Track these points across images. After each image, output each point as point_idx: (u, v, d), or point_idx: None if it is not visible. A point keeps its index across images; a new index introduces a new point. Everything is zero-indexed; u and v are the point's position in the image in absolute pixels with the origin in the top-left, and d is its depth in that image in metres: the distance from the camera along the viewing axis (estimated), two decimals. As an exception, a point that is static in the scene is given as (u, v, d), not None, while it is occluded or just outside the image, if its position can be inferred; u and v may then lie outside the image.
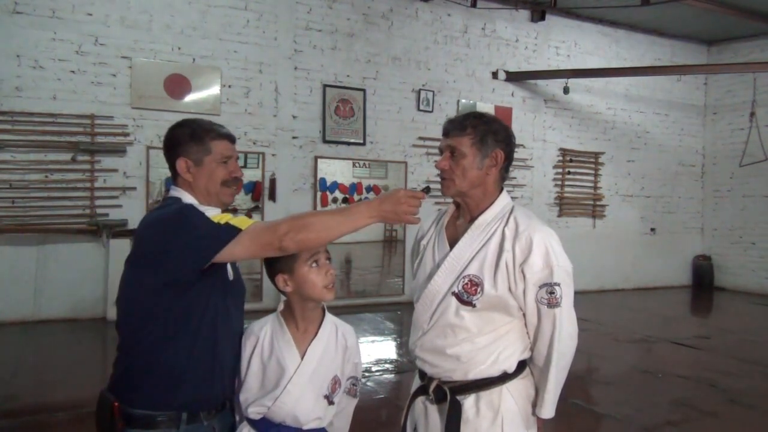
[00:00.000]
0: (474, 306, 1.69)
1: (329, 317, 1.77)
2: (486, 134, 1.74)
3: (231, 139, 1.76)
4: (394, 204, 1.54)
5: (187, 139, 1.70)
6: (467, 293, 1.69)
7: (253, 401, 1.66)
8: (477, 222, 1.76)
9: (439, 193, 1.85)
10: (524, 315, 1.72)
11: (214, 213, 1.60)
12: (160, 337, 1.58)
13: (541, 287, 1.66)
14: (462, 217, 1.83)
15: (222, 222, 1.54)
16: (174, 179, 1.73)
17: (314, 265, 1.66)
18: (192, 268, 1.53)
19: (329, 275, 1.68)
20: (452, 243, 1.79)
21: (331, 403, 1.70)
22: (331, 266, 1.69)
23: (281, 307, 1.75)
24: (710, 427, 3.98)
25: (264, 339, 1.70)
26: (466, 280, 1.70)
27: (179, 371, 1.59)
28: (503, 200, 1.79)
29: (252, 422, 1.68)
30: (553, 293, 1.66)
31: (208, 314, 1.61)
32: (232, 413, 1.77)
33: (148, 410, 1.58)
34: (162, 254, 1.54)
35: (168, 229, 1.55)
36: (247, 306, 1.94)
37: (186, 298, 1.57)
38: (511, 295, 1.69)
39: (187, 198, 1.69)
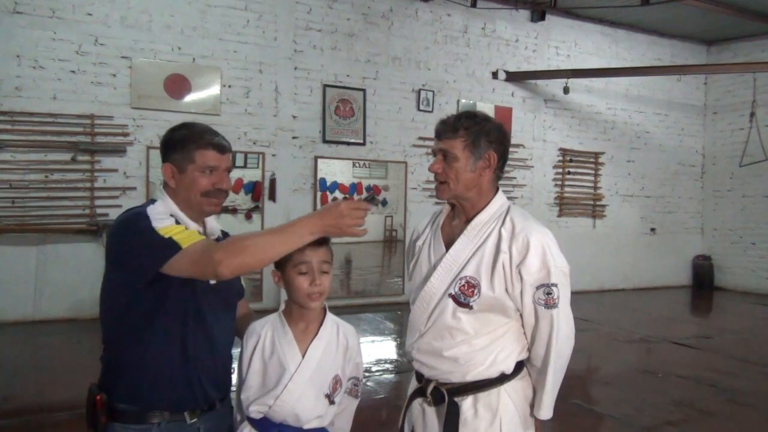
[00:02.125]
0: (471, 308, 1.68)
1: (330, 317, 1.76)
2: (479, 136, 1.71)
3: (220, 149, 1.68)
4: (337, 218, 1.48)
5: (175, 145, 1.67)
6: (464, 295, 1.68)
7: (254, 400, 1.66)
8: (473, 223, 1.74)
9: (382, 205, 1.84)
10: (521, 316, 1.71)
11: (166, 224, 1.57)
12: (130, 334, 1.59)
13: (538, 288, 1.65)
14: (458, 217, 1.81)
15: (167, 236, 1.52)
16: (165, 182, 1.73)
17: (302, 271, 1.63)
18: (139, 276, 1.55)
19: (315, 285, 1.62)
20: (448, 244, 1.77)
21: (332, 402, 1.70)
22: (321, 276, 1.63)
23: (283, 306, 1.75)
24: (710, 427, 3.98)
25: (265, 338, 1.69)
26: (463, 282, 1.69)
27: (152, 369, 1.60)
28: (499, 200, 1.77)
29: (253, 421, 1.68)
30: (550, 294, 1.65)
31: (176, 315, 1.60)
32: (230, 413, 1.76)
33: (128, 405, 1.60)
34: (116, 255, 1.60)
35: (120, 233, 1.59)
36: (247, 306, 1.94)
37: (148, 298, 1.58)
38: (508, 297, 1.68)
39: (167, 203, 1.67)
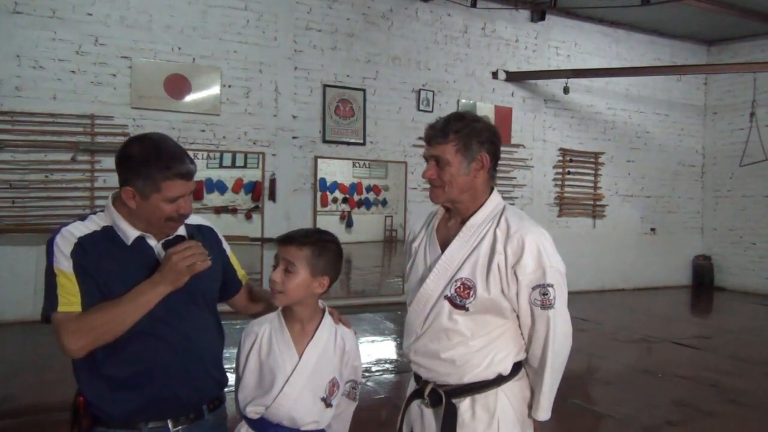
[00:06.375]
0: (467, 310, 1.67)
1: (328, 319, 1.75)
2: (469, 138, 1.69)
3: (188, 177, 1.58)
4: (172, 270, 1.53)
5: (138, 170, 1.54)
6: (460, 297, 1.67)
7: (251, 400, 1.66)
8: (468, 224, 1.74)
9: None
10: (518, 317, 1.70)
11: (63, 267, 1.53)
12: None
13: (534, 289, 1.64)
14: (453, 218, 1.81)
15: (56, 290, 1.52)
16: (119, 197, 1.61)
17: (273, 263, 1.68)
18: None
19: (271, 279, 1.64)
20: (443, 245, 1.76)
21: (328, 405, 1.69)
22: (282, 274, 1.63)
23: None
24: (710, 427, 3.98)
25: (263, 337, 1.69)
26: (459, 284, 1.68)
27: (119, 375, 1.57)
28: (494, 200, 1.76)
29: (250, 421, 1.68)
30: (546, 294, 1.64)
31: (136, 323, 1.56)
32: (224, 424, 1.75)
33: (106, 410, 1.58)
34: None
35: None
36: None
37: None
38: (504, 298, 1.67)
39: (115, 218, 1.60)
